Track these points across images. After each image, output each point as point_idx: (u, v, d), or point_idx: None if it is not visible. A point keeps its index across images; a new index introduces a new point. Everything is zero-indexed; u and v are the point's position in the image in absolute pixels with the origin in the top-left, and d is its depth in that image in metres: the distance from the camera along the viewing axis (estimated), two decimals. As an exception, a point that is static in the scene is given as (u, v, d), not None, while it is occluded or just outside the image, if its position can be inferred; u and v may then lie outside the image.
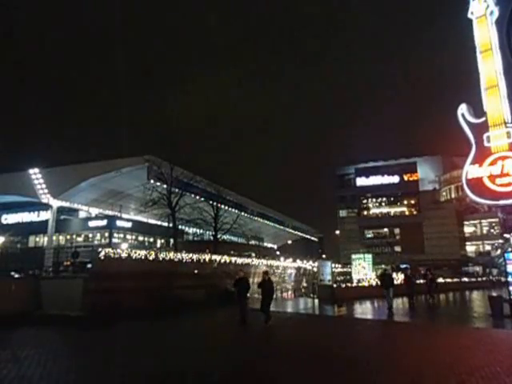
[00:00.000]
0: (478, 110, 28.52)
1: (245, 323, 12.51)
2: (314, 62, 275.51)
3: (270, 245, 76.51)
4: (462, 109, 28.59)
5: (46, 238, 45.81)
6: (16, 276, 22.23)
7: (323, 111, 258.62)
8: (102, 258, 17.63)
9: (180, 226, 36.21)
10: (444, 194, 60.75)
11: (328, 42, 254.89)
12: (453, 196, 58.64)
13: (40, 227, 46.37)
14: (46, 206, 44.65)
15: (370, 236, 68.64)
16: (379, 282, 19.82)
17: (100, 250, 18.55)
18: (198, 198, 37.97)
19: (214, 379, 7.01)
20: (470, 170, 28.41)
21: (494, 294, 18.80)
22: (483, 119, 27.19)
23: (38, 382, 6.54)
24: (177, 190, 32.07)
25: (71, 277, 19.29)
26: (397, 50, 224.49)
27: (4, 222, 50.78)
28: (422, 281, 23.53)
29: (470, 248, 63.12)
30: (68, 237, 47.84)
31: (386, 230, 67.69)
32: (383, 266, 42.82)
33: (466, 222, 62.83)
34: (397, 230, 66.04)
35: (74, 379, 7.06)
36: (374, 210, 69.75)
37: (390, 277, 18.56)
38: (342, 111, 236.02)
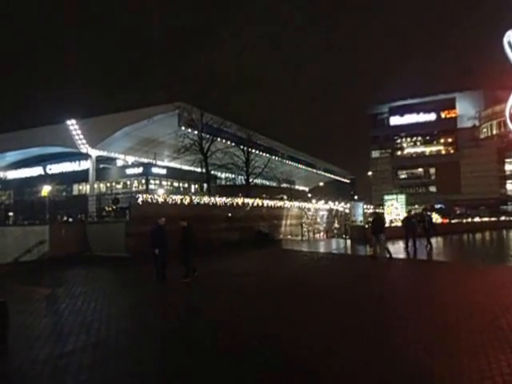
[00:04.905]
0: (527, 36, 26.02)
1: (163, 279, 10.64)
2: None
3: (301, 187, 76.67)
4: (509, 36, 26.16)
5: (88, 186, 48.33)
6: (66, 220, 23.85)
7: (357, 47, 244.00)
8: (141, 203, 18.53)
9: (212, 171, 36.77)
10: (484, 130, 57.79)
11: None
12: (494, 132, 55.70)
13: (82, 176, 48.82)
14: (86, 156, 46.47)
15: (403, 177, 67.38)
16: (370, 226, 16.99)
17: (138, 195, 19.39)
18: (228, 143, 38.10)
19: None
20: (515, 104, 26.58)
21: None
22: (532, 47, 24.92)
23: (92, 315, 7.34)
24: (208, 136, 32.23)
25: (114, 221, 20.53)
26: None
27: (49, 171, 53.62)
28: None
29: (511, 186, 60.89)
30: (108, 184, 50.19)
31: (420, 170, 66.06)
32: (417, 206, 42.40)
33: (507, 160, 60.05)
34: (432, 170, 64.33)
35: (123, 312, 7.86)
36: (409, 150, 67.74)
37: (381, 220, 16.57)
38: (379, 46, 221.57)
